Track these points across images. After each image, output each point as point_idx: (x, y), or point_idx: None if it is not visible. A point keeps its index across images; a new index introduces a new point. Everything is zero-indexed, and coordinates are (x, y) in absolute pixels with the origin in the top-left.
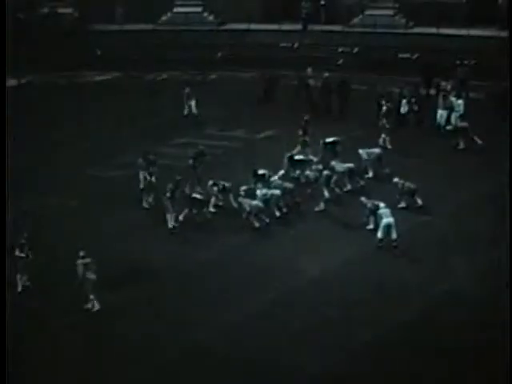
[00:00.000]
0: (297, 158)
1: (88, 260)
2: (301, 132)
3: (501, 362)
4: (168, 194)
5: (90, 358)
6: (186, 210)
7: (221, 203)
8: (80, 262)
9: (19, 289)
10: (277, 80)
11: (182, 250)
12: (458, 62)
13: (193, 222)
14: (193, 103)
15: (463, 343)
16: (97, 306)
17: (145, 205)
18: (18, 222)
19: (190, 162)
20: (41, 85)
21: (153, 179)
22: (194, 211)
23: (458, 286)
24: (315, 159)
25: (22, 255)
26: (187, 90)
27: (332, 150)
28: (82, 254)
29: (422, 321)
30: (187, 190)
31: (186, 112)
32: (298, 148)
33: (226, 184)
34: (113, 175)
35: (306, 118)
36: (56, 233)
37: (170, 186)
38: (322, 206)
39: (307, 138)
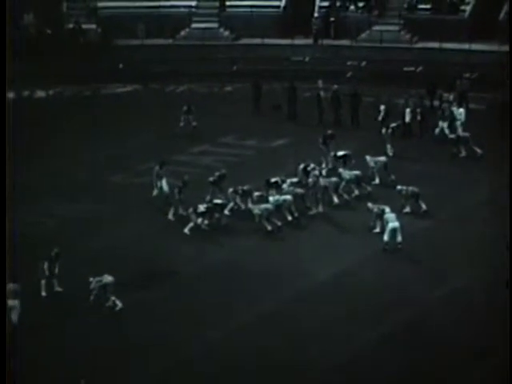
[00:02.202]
0: (309, 168)
1: (99, 279)
2: (321, 140)
3: (501, 363)
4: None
5: (105, 356)
6: (207, 216)
7: (242, 207)
8: (93, 286)
9: (43, 293)
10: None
11: (197, 252)
12: (457, 75)
13: (209, 225)
14: (188, 118)
15: (464, 344)
16: (119, 305)
17: (170, 217)
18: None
19: (211, 179)
20: (67, 96)
21: (181, 196)
22: (217, 215)
23: (460, 287)
24: (320, 168)
25: (52, 273)
26: (184, 107)
27: (343, 162)
28: (91, 279)
29: (425, 321)
30: (208, 198)
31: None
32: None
33: (245, 188)
34: (134, 182)
35: (329, 132)
36: (81, 236)
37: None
38: (320, 208)
39: (324, 149)
